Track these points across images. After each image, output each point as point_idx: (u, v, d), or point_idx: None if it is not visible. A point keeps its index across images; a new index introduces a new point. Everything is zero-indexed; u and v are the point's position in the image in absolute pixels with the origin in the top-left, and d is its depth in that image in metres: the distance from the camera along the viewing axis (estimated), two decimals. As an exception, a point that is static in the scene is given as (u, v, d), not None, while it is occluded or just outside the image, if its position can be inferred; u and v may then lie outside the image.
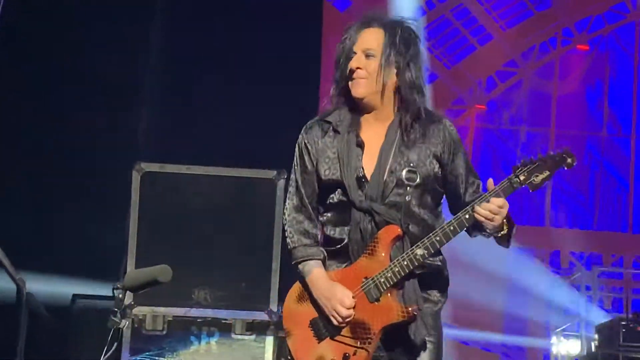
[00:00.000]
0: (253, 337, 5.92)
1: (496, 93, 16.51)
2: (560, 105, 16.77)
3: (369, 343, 3.43)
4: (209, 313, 5.88)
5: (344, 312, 3.43)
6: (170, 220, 6.01)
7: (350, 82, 3.51)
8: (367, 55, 3.50)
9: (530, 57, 16.30)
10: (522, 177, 3.37)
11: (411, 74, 3.48)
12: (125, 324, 3.05)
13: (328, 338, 3.49)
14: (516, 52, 16.18)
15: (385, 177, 3.45)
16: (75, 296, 6.23)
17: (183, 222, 6.00)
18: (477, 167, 17.34)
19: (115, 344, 3.08)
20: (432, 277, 3.53)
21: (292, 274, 3.68)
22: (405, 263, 3.39)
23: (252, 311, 5.91)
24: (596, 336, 9.39)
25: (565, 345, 10.11)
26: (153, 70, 7.27)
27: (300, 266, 3.53)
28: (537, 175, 3.37)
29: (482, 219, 3.35)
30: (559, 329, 10.59)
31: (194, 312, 5.88)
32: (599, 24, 16.50)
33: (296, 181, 3.59)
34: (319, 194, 3.56)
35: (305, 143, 3.58)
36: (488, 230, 3.41)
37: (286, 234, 3.58)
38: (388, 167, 3.46)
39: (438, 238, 3.39)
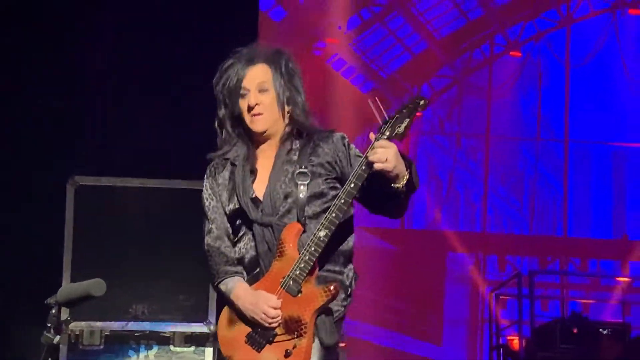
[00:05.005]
0: (192, 348, 5.92)
1: (431, 100, 16.64)
2: (494, 112, 16.94)
3: (305, 332, 3.58)
4: (146, 326, 5.86)
5: (272, 311, 3.59)
6: (107, 233, 5.99)
7: (249, 119, 3.73)
8: (261, 90, 3.72)
9: (464, 64, 16.45)
10: (387, 133, 3.54)
11: (301, 99, 3.75)
12: (58, 339, 3.03)
13: (267, 345, 3.62)
14: (450, 59, 16.32)
15: (274, 195, 3.68)
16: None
17: (119, 236, 5.98)
18: (414, 174, 17.49)
19: (50, 360, 3.06)
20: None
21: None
22: (312, 249, 3.58)
23: (191, 323, 5.90)
24: (534, 338, 9.49)
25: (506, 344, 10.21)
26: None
27: (222, 287, 3.73)
28: (399, 126, 3.54)
29: (376, 160, 3.48)
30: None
31: (131, 325, 5.87)
32: (531, 30, 16.69)
33: (206, 214, 3.82)
34: (230, 222, 3.80)
35: (208, 178, 3.84)
36: (390, 175, 3.52)
37: (208, 264, 3.80)
38: (277, 187, 3.69)
39: (334, 214, 3.57)
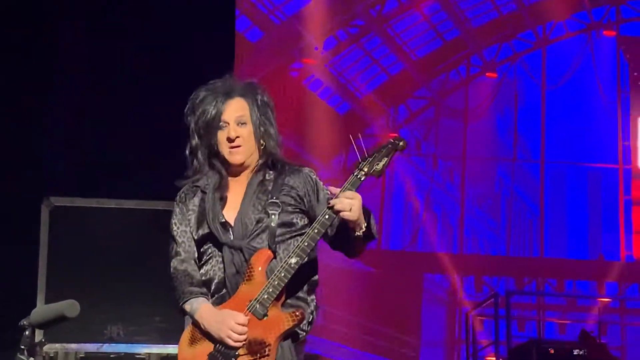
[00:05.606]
0: (168, 370, 5.89)
1: (408, 121, 16.68)
2: (471, 133, 16.99)
3: (268, 354, 3.59)
4: (122, 348, 5.83)
5: (239, 327, 3.61)
6: (82, 255, 5.96)
7: (227, 151, 3.84)
8: (239, 124, 3.84)
9: (440, 85, 16.51)
10: (366, 169, 3.69)
11: (274, 132, 3.89)
12: (31, 361, 3.01)
13: None
14: (427, 80, 16.38)
15: (246, 220, 3.76)
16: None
17: (95, 257, 5.95)
18: (392, 194, 17.50)
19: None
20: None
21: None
22: (282, 275, 3.63)
23: (167, 344, 5.86)
24: (511, 359, 9.49)
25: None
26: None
27: (187, 307, 3.76)
28: (378, 164, 3.71)
29: (341, 208, 3.60)
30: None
31: (106, 347, 5.83)
32: (507, 52, 16.79)
33: (174, 237, 3.87)
34: (196, 247, 3.85)
35: (178, 204, 3.91)
36: (351, 224, 3.65)
37: (173, 286, 3.82)
38: (249, 212, 3.77)
39: (306, 243, 3.65)
